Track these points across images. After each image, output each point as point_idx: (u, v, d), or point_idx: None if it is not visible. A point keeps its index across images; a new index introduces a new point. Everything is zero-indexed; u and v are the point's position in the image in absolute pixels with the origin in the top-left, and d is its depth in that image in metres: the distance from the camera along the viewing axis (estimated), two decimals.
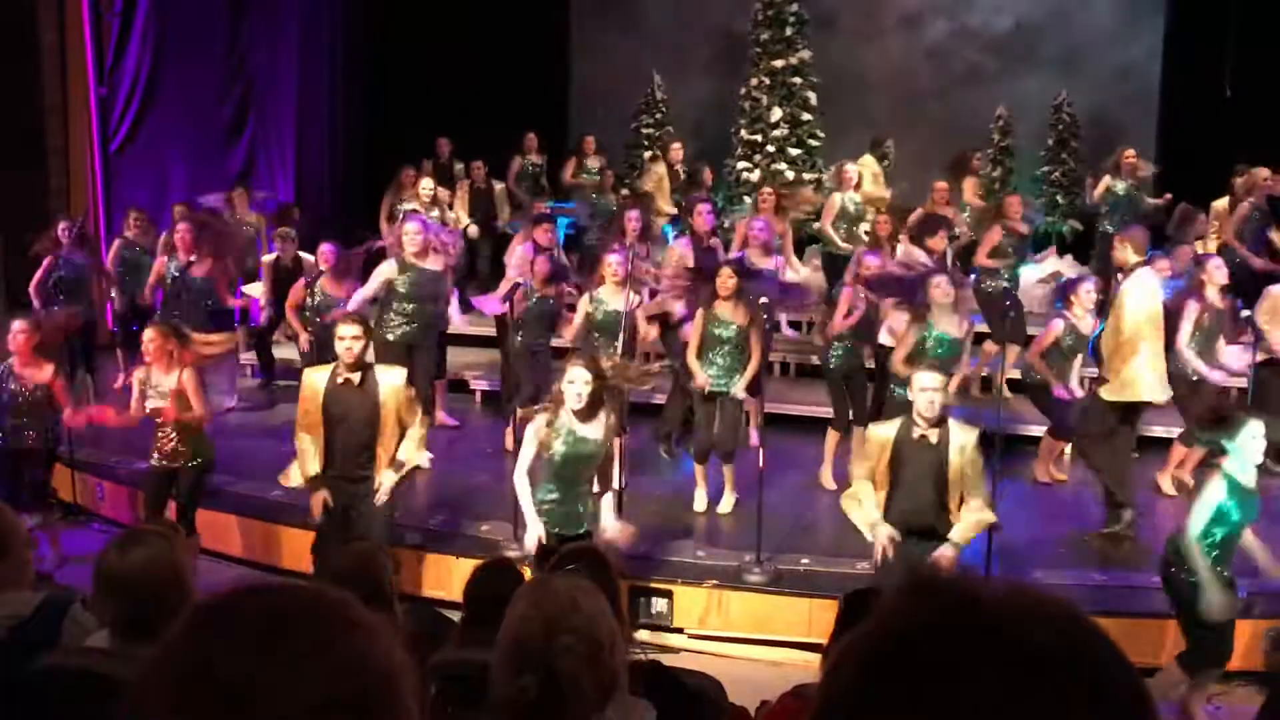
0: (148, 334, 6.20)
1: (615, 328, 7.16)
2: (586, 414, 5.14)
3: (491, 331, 9.77)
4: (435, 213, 9.74)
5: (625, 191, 11.76)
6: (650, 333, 7.71)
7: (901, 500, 5.25)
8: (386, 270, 7.76)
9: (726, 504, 7.23)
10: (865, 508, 5.39)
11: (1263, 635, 5.37)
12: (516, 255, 8.54)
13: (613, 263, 7.27)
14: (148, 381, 6.14)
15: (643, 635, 5.93)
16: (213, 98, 12.01)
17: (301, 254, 9.17)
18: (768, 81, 12.39)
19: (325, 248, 8.24)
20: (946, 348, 6.79)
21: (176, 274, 8.57)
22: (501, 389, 8.70)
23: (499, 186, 11.24)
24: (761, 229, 8.11)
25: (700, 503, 7.26)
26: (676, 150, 11.55)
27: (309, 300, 8.20)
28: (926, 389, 5.17)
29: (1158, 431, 7.85)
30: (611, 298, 7.21)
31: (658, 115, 13.15)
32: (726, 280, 6.87)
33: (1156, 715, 0.82)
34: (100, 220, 11.19)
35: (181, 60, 11.62)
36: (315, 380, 5.72)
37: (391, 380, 5.70)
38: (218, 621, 0.92)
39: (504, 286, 8.11)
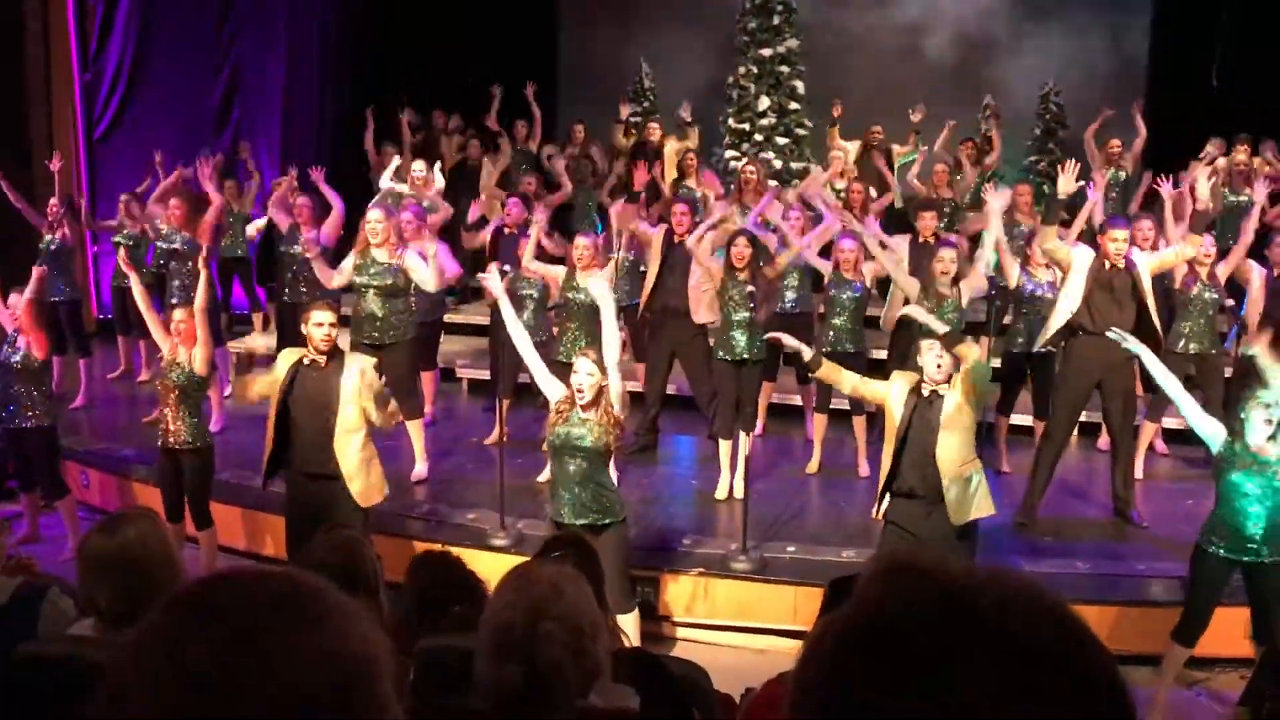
0: (177, 315, 6.31)
1: (586, 310, 7.15)
2: (589, 406, 5.17)
3: (479, 319, 9.78)
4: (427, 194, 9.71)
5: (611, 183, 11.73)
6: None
7: (907, 457, 5.20)
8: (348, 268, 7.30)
9: (738, 487, 7.04)
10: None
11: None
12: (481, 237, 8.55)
13: (581, 246, 7.26)
14: (173, 362, 6.22)
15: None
16: (199, 83, 11.93)
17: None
18: (755, 70, 12.38)
19: (302, 199, 8.48)
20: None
21: (167, 248, 8.57)
22: (491, 378, 8.67)
23: (489, 166, 11.16)
24: (795, 215, 8.10)
25: (723, 489, 7.20)
26: (654, 131, 11.48)
27: (287, 248, 8.42)
28: (935, 348, 5.15)
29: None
30: (584, 281, 7.21)
31: (645, 103, 13.12)
32: (743, 250, 6.94)
33: (1132, 702, 0.83)
34: (86, 208, 11.12)
35: (167, 46, 11.55)
36: (286, 357, 5.68)
37: (357, 366, 5.58)
38: (193, 610, 0.91)
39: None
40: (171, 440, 6.23)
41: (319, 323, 5.52)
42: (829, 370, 5.75)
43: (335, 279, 7.27)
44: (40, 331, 6.69)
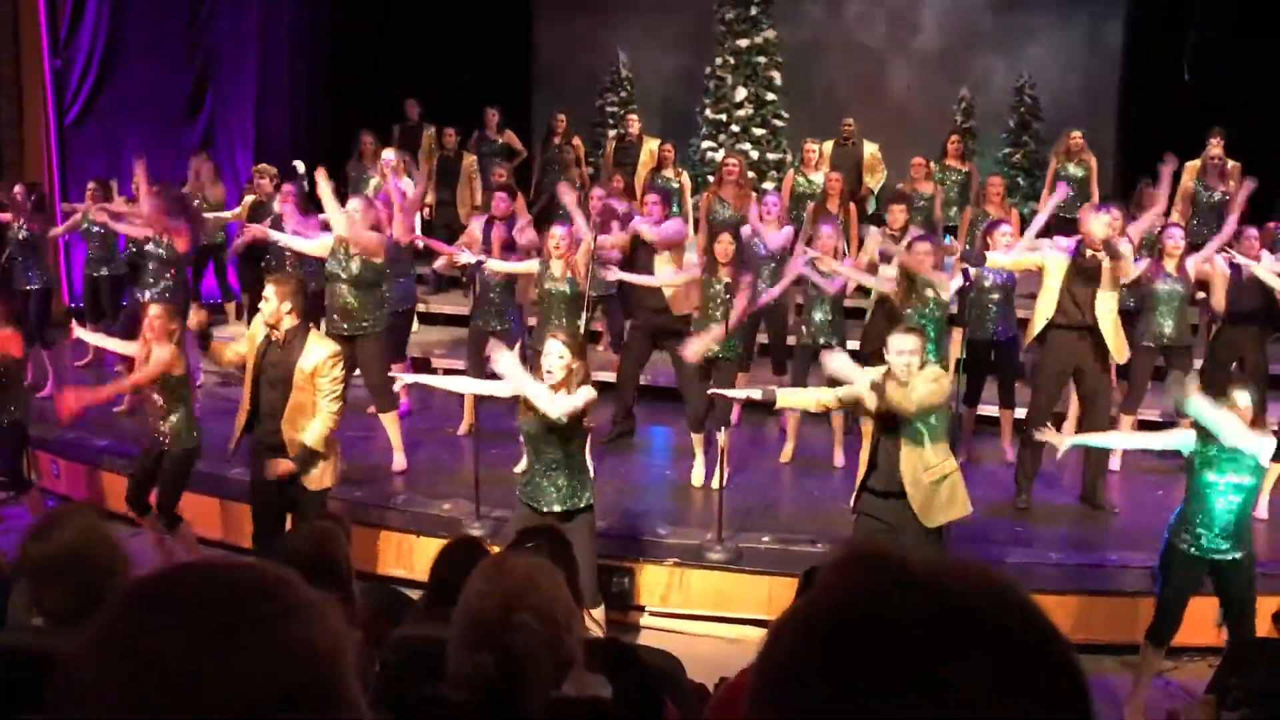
0: (153, 310, 6.16)
1: (562, 300, 7.13)
2: (559, 388, 5.14)
3: (455, 309, 9.77)
4: (399, 182, 9.66)
5: (590, 170, 11.73)
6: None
7: (881, 453, 5.20)
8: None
9: (715, 478, 7.00)
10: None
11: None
12: (469, 229, 8.49)
13: (556, 235, 7.23)
14: (142, 360, 6.12)
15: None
16: (171, 69, 11.82)
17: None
18: (732, 61, 12.37)
19: (287, 187, 8.44)
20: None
21: (134, 247, 8.49)
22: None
23: (469, 158, 11.12)
24: (774, 204, 8.12)
25: (699, 477, 7.21)
26: (633, 123, 11.43)
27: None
28: (903, 352, 5.09)
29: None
30: (559, 270, 7.18)
31: (622, 93, 13.09)
32: (727, 247, 6.93)
33: (1089, 691, 0.83)
34: (55, 194, 11.01)
35: (139, 32, 11.42)
36: (257, 329, 5.73)
37: (317, 351, 5.59)
38: (152, 604, 0.89)
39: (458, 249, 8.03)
40: (164, 441, 6.14)
41: (265, 297, 5.60)
42: (788, 399, 5.75)
43: (311, 245, 7.30)
44: (12, 331, 6.56)
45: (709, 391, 6.41)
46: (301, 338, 5.60)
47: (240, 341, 5.89)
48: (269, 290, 5.58)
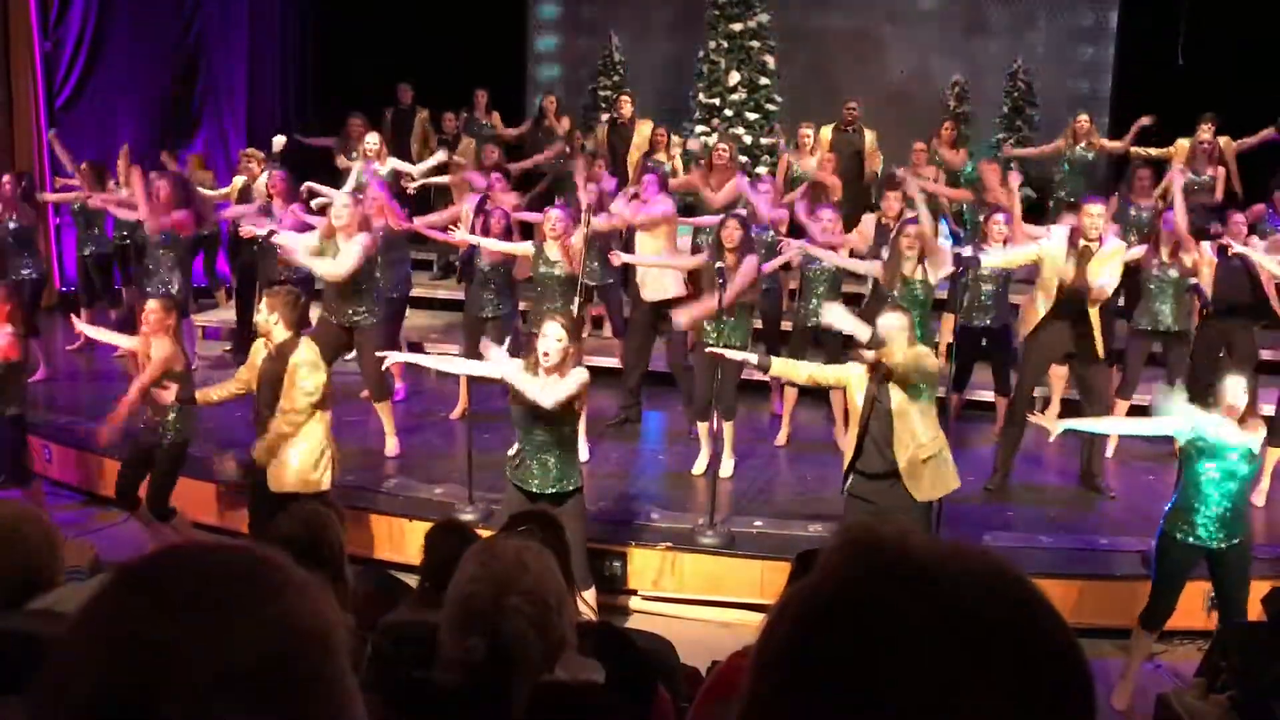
0: (150, 305, 6.16)
1: (557, 283, 7.11)
2: (554, 371, 5.13)
3: (449, 294, 9.75)
4: (379, 165, 9.62)
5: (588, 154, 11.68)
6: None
7: (869, 439, 5.22)
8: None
9: (727, 468, 7.05)
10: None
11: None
12: (456, 208, 8.45)
13: (553, 218, 7.20)
14: (144, 355, 6.10)
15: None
16: (162, 53, 11.76)
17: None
18: (725, 45, 12.32)
19: (277, 173, 8.46)
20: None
21: (124, 231, 8.45)
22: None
23: (466, 142, 11.07)
24: (766, 189, 8.10)
25: (701, 465, 7.14)
26: (625, 105, 11.38)
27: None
28: (890, 329, 5.15)
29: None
30: (554, 254, 7.16)
31: (615, 77, 13.04)
32: (732, 232, 6.86)
33: (1090, 678, 0.83)
34: (46, 177, 10.96)
35: (129, 16, 11.36)
36: (258, 347, 5.84)
37: (301, 352, 5.67)
38: (136, 584, 0.89)
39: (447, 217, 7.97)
40: (152, 432, 6.13)
41: (258, 309, 5.74)
42: (782, 368, 5.76)
43: (300, 256, 7.16)
44: (12, 332, 6.40)
45: (708, 350, 6.36)
46: (288, 345, 5.68)
47: (242, 369, 5.99)
48: (262, 304, 5.71)
